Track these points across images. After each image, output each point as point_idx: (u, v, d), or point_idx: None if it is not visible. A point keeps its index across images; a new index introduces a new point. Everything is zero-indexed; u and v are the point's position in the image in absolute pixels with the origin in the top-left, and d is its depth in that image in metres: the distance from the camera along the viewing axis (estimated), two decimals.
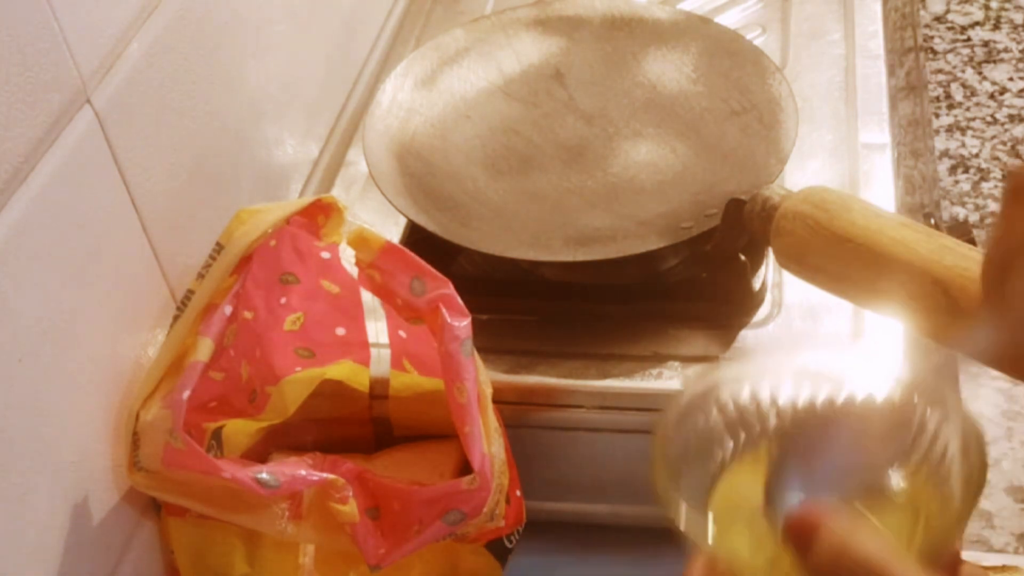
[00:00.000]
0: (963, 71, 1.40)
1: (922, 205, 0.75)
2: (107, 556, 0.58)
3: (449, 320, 0.55)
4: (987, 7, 1.54)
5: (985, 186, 1.28)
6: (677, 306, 0.68)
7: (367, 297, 0.61)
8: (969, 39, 1.55)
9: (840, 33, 0.86)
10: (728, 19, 0.87)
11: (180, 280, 0.63)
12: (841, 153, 0.77)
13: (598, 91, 0.81)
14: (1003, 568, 0.61)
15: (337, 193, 0.79)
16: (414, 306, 0.57)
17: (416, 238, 0.71)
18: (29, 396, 0.52)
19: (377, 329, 0.63)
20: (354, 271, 0.60)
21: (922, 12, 1.58)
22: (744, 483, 0.53)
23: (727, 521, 0.50)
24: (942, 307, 0.54)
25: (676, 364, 0.65)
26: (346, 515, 0.54)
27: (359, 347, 0.63)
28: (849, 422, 0.51)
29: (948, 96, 1.39)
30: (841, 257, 0.58)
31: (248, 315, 0.60)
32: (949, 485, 0.48)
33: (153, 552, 0.62)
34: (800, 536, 0.40)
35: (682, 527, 0.48)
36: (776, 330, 0.66)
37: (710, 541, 0.47)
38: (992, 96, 1.38)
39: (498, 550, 0.61)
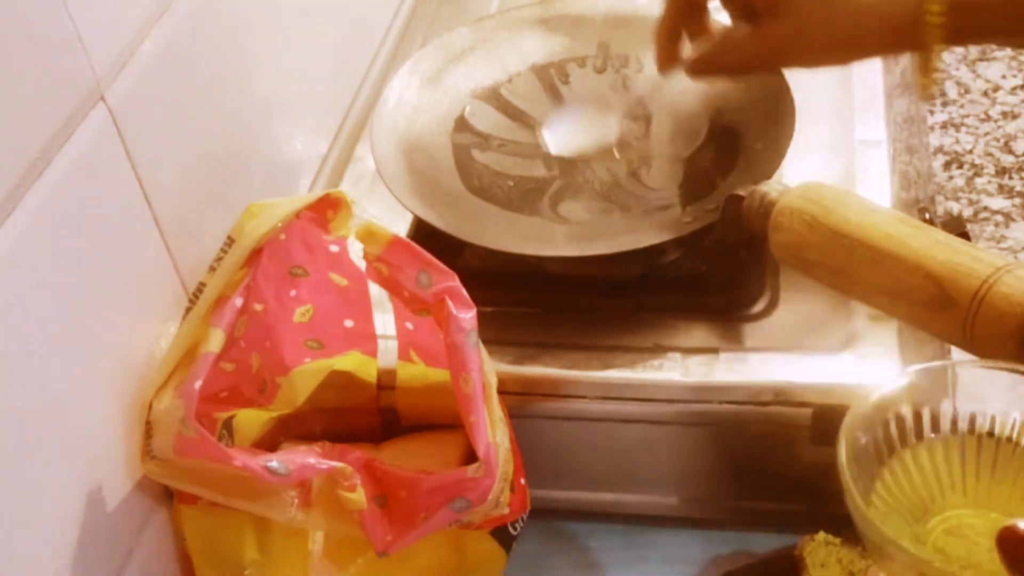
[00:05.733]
0: (957, 69, 1.41)
1: (917, 200, 0.75)
2: (121, 543, 0.59)
3: (455, 312, 0.56)
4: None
5: (979, 182, 1.29)
6: (677, 299, 0.69)
7: (375, 290, 0.62)
8: None
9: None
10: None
11: (192, 273, 0.63)
12: (838, 149, 0.77)
13: (600, 88, 0.81)
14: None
15: (345, 188, 0.80)
16: (421, 298, 0.58)
17: (423, 232, 0.72)
18: (44, 387, 0.52)
19: (384, 321, 0.63)
20: (362, 264, 0.61)
21: None
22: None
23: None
24: (935, 300, 0.55)
25: (676, 355, 0.66)
26: (354, 503, 0.55)
27: (367, 339, 0.64)
28: None
29: (943, 93, 1.40)
30: (837, 252, 0.59)
31: (258, 307, 0.61)
32: None
33: (166, 539, 0.62)
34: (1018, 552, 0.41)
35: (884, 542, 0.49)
36: (774, 322, 0.67)
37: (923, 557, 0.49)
38: (986, 93, 1.39)
39: (503, 537, 0.61)
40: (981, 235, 1.33)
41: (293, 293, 0.62)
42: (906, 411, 0.56)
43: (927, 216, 0.70)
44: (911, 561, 0.49)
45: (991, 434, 0.56)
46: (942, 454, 0.56)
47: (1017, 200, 1.31)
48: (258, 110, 0.74)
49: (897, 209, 0.72)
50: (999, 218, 1.31)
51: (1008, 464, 0.56)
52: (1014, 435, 0.56)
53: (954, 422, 0.56)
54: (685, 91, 0.79)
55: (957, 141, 1.33)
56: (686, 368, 0.65)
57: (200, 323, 0.58)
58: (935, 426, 0.57)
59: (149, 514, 0.61)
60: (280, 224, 0.59)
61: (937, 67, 0.63)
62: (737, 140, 0.75)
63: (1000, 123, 1.35)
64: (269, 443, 0.61)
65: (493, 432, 0.56)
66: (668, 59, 0.73)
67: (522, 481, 0.63)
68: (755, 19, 0.68)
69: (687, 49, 0.73)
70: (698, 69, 0.72)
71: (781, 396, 0.64)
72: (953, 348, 0.63)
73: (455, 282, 0.57)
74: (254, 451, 0.57)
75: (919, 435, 0.56)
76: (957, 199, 1.27)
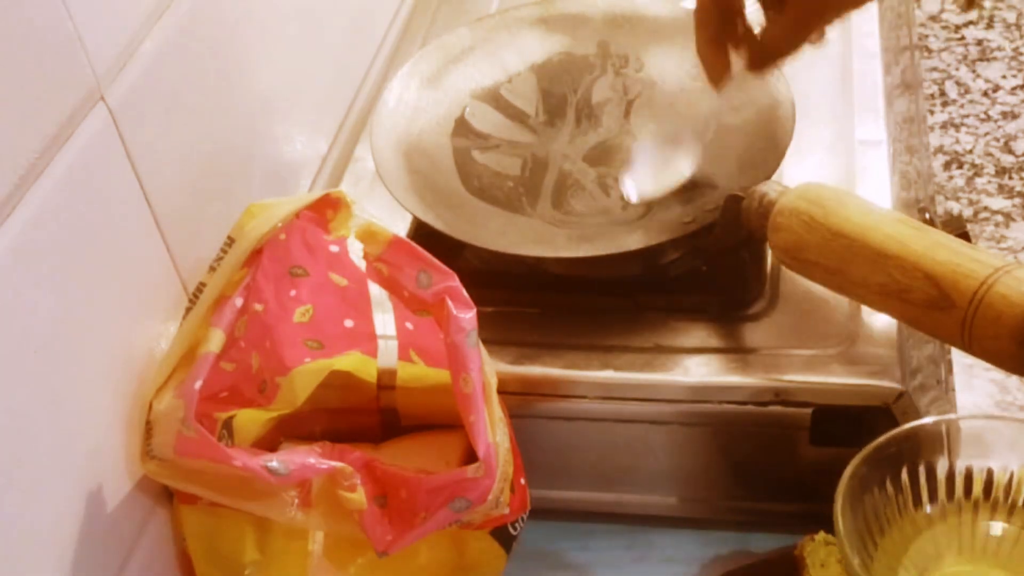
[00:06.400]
0: (957, 69, 1.41)
1: (917, 200, 0.76)
2: (121, 543, 0.59)
3: (455, 312, 0.55)
4: (980, 6, 1.55)
5: (979, 181, 1.29)
6: (677, 299, 0.69)
7: (375, 290, 0.62)
8: (963, 38, 1.56)
9: (837, 32, 0.86)
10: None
11: (192, 273, 0.63)
12: (838, 149, 0.77)
13: (600, 88, 0.81)
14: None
15: (346, 188, 0.80)
16: (421, 298, 0.58)
17: (423, 232, 0.71)
18: (44, 387, 0.52)
19: (384, 321, 0.63)
20: (362, 264, 0.61)
21: (917, 11, 1.59)
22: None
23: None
24: (934, 301, 0.55)
25: (676, 355, 0.66)
26: (354, 503, 0.55)
27: (367, 339, 0.64)
28: None
29: (943, 94, 1.40)
30: (836, 252, 0.59)
31: (258, 307, 0.60)
32: None
33: (166, 539, 0.62)
34: None
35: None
36: (774, 322, 0.67)
37: None
38: (985, 93, 1.39)
39: (503, 537, 0.61)
40: (981, 235, 1.33)
41: (293, 293, 0.62)
42: (902, 469, 0.56)
43: (927, 216, 0.70)
44: None
45: (988, 490, 0.56)
46: (939, 519, 0.57)
47: (1017, 200, 1.32)
48: (258, 110, 0.74)
49: (897, 209, 0.72)
50: (999, 218, 1.31)
51: (1008, 520, 0.56)
52: (1012, 489, 0.56)
53: (950, 476, 0.57)
54: (685, 90, 0.79)
55: (957, 141, 1.33)
56: (686, 368, 0.65)
57: (200, 323, 0.58)
58: (931, 481, 0.57)
59: (149, 514, 0.61)
60: (280, 224, 0.59)
61: None
62: (737, 140, 0.75)
63: (1000, 123, 1.35)
64: (269, 443, 0.61)
65: (493, 432, 0.56)
66: (721, 72, 0.69)
67: (522, 481, 0.63)
68: None
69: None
70: (759, 62, 0.68)
71: (781, 396, 0.64)
72: (953, 349, 0.63)
73: (455, 282, 0.57)
74: (254, 451, 0.57)
75: (916, 490, 0.57)
76: (957, 199, 1.28)
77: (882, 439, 0.57)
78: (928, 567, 0.56)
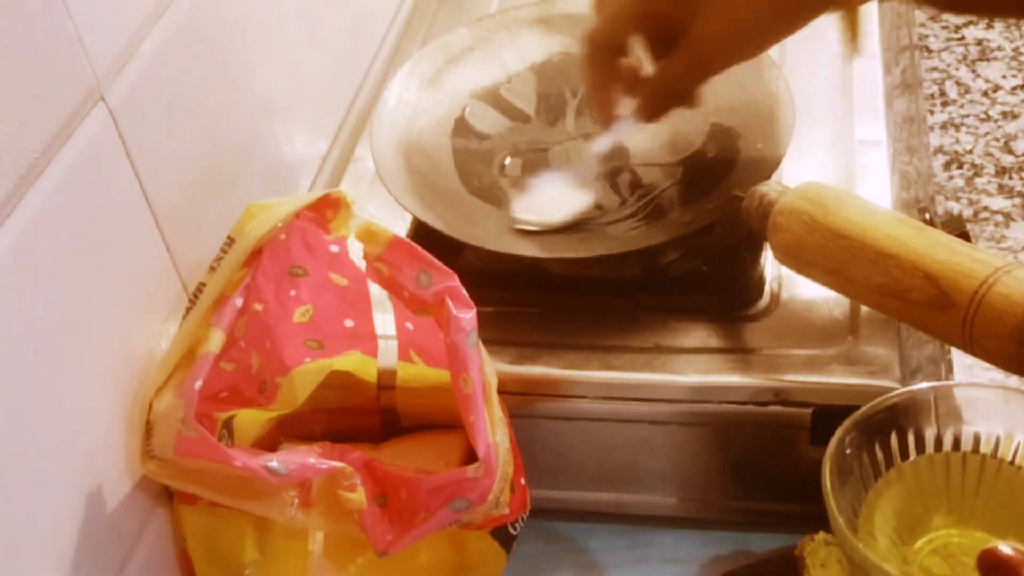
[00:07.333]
0: (957, 69, 1.42)
1: (917, 200, 0.76)
2: (121, 543, 0.59)
3: (455, 312, 0.56)
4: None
5: (979, 181, 1.29)
6: (677, 299, 0.69)
7: (375, 290, 0.62)
8: (963, 38, 1.56)
9: (837, 32, 0.86)
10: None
11: (192, 273, 0.63)
12: (838, 149, 0.77)
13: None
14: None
15: (346, 188, 0.80)
16: (421, 298, 0.58)
17: (423, 232, 0.71)
18: (44, 387, 0.52)
19: (384, 321, 0.64)
20: (362, 264, 0.61)
21: (917, 11, 1.59)
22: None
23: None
24: (934, 301, 0.55)
25: (676, 355, 0.66)
26: (354, 503, 0.55)
27: (367, 339, 0.64)
28: None
29: (943, 93, 1.40)
30: (836, 252, 0.59)
31: (258, 307, 0.60)
32: None
33: (166, 539, 0.62)
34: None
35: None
36: (774, 322, 0.67)
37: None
38: (985, 93, 1.39)
39: (503, 537, 0.61)
40: (981, 235, 1.34)
41: (293, 293, 0.62)
42: (891, 434, 0.57)
43: (927, 216, 0.70)
44: None
45: (975, 451, 0.57)
46: (927, 472, 0.57)
47: (1017, 200, 1.32)
48: (258, 110, 0.74)
49: (897, 209, 0.72)
50: (999, 218, 1.31)
51: (993, 482, 0.57)
52: (998, 452, 0.57)
53: (938, 442, 0.57)
54: None
55: (957, 141, 1.33)
56: (686, 368, 0.65)
57: (200, 323, 0.58)
58: (920, 447, 0.57)
59: (149, 514, 0.61)
60: (280, 224, 0.59)
61: (860, 24, 0.62)
62: (737, 140, 0.75)
63: (1000, 123, 1.35)
64: (269, 443, 0.61)
65: (493, 432, 0.56)
66: (609, 116, 0.70)
67: (522, 481, 0.63)
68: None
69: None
70: (647, 111, 0.69)
71: (781, 396, 0.64)
72: (953, 349, 0.63)
73: (455, 282, 0.57)
74: (254, 451, 0.57)
75: (904, 455, 0.57)
76: (957, 199, 1.28)
77: (870, 405, 0.57)
78: (915, 529, 0.56)
